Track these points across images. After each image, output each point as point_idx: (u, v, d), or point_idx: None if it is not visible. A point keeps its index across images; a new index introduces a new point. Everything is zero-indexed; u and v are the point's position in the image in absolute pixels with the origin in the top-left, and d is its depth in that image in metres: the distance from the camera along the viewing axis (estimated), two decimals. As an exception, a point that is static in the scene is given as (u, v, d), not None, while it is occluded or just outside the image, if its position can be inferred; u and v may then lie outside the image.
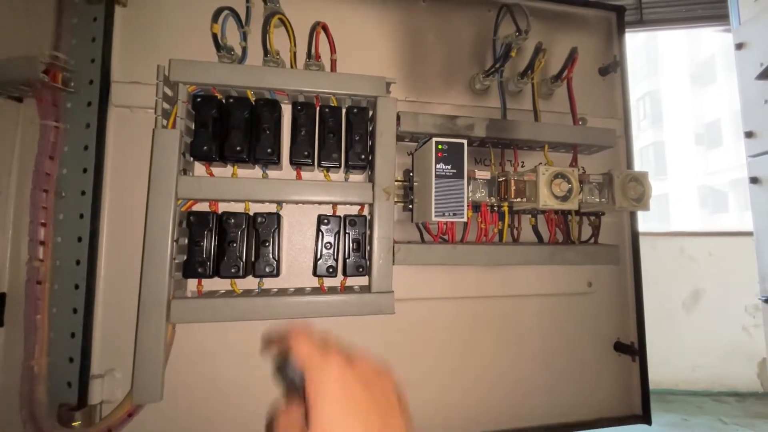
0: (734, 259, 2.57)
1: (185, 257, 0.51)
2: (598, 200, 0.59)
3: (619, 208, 0.58)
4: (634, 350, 0.68)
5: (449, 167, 0.49)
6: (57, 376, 0.51)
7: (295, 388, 0.29)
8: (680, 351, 2.54)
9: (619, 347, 0.69)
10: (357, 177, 0.61)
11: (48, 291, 0.52)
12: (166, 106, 0.50)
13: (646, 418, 0.68)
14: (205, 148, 0.51)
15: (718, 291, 2.59)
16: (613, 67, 0.73)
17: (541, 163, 0.56)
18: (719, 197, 9.57)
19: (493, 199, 0.56)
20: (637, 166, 0.73)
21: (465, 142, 0.50)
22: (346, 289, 0.55)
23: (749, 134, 1.39)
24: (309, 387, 0.27)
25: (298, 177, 0.56)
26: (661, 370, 2.51)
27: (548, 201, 0.54)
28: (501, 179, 0.56)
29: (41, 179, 0.52)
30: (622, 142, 0.74)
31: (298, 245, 0.59)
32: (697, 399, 2.50)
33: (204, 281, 0.53)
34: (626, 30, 0.78)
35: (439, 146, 0.49)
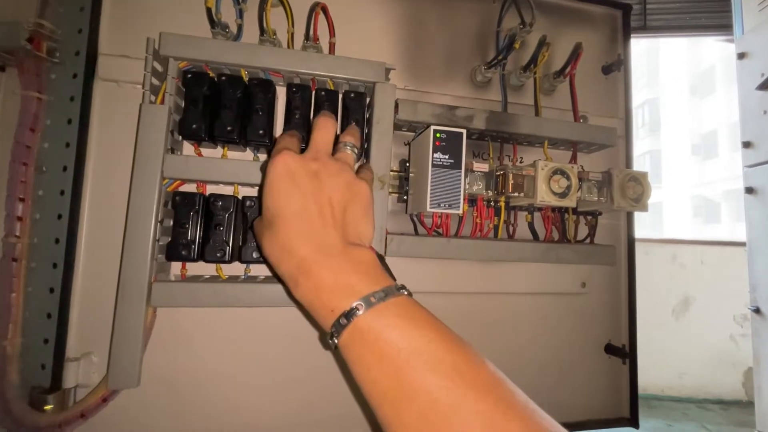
0: (725, 268, 2.59)
1: (169, 239, 0.49)
2: (596, 199, 0.58)
3: (617, 208, 0.57)
4: (624, 353, 0.67)
5: (447, 157, 0.48)
6: (30, 357, 0.49)
7: None
8: (667, 357, 2.57)
9: (610, 349, 0.69)
10: (351, 165, 0.59)
11: (24, 269, 0.50)
12: (155, 81, 0.48)
13: (633, 421, 0.67)
14: (195, 126, 0.49)
15: (707, 299, 2.61)
16: (616, 66, 0.72)
17: (540, 159, 0.55)
18: (712, 207, 9.67)
19: (490, 193, 0.55)
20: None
21: (464, 131, 0.49)
22: (336, 280, 0.54)
23: (747, 144, 1.39)
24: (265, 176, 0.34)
25: (291, 162, 0.54)
26: (647, 376, 2.53)
27: (546, 197, 0.53)
28: (499, 173, 0.54)
29: (21, 152, 0.50)
30: (622, 143, 0.73)
31: (287, 232, 0.58)
32: (682, 405, 2.52)
33: (188, 265, 0.52)
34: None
35: (437, 135, 0.48)
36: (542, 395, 0.67)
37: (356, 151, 0.39)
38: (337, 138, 0.39)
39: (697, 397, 2.57)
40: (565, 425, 0.67)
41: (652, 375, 2.56)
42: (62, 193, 0.51)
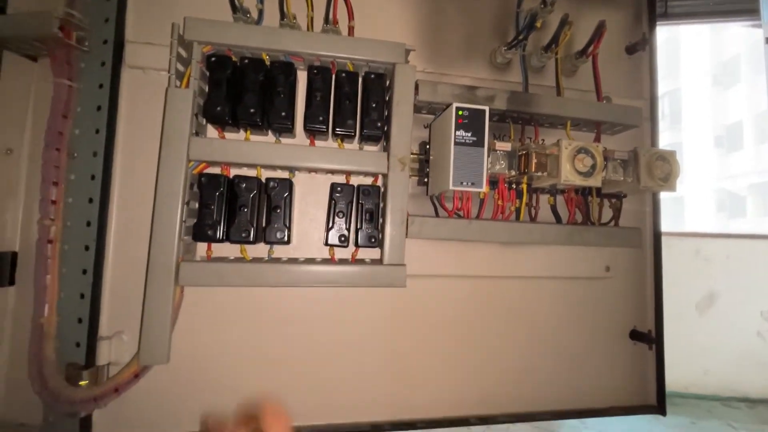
0: (752, 262, 2.49)
1: (195, 220, 0.50)
2: (622, 178, 0.57)
3: (644, 188, 0.56)
4: (651, 338, 0.66)
5: (469, 134, 0.47)
6: (66, 335, 0.51)
7: None
8: (691, 354, 2.49)
9: (636, 335, 0.67)
10: (371, 149, 0.59)
11: (58, 251, 0.52)
12: (179, 66, 0.49)
13: (660, 408, 0.66)
14: (219, 108, 0.50)
15: (733, 294, 2.52)
16: (641, 45, 0.70)
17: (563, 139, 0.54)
18: (737, 201, 9.32)
19: (513, 172, 0.54)
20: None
21: (487, 108, 0.48)
22: (357, 261, 0.54)
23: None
24: None
25: (312, 145, 0.54)
26: (670, 373, 2.46)
27: (570, 176, 0.52)
28: (522, 152, 0.54)
29: (54, 138, 0.52)
30: (646, 125, 0.71)
31: (309, 216, 0.58)
32: (707, 403, 2.44)
33: (214, 247, 0.52)
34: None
35: (460, 112, 0.47)
36: (566, 380, 0.66)
37: None
38: None
39: (723, 395, 2.49)
40: (589, 411, 0.66)
41: (675, 372, 2.48)
42: (93, 177, 0.53)
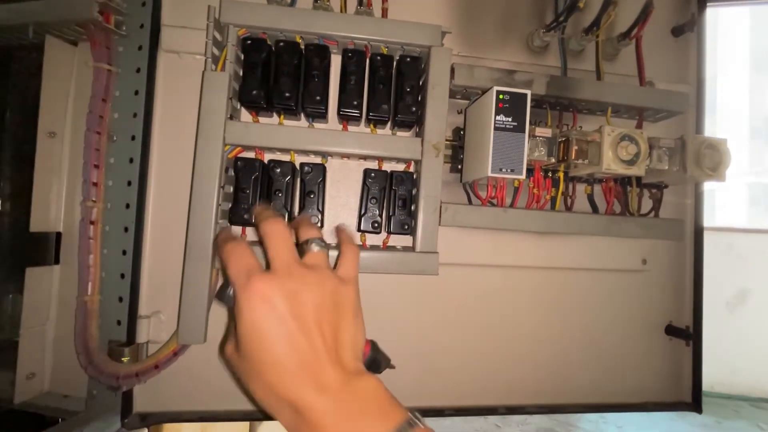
0: (789, 260, 2.39)
1: (230, 204, 0.51)
2: (667, 168, 0.54)
3: (690, 178, 0.53)
4: (688, 334, 0.64)
5: (510, 120, 0.46)
6: (107, 313, 0.53)
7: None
8: (719, 352, 2.41)
9: (671, 331, 0.65)
10: (404, 135, 0.58)
11: (100, 232, 0.53)
12: (215, 50, 0.49)
13: (696, 405, 0.64)
14: (254, 92, 0.50)
15: (767, 292, 2.42)
16: (689, 26, 0.66)
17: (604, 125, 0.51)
18: (772, 196, 8.84)
19: (553, 159, 0.52)
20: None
21: (528, 92, 0.47)
22: (389, 248, 0.54)
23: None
24: (236, 311, 0.28)
25: (345, 130, 0.54)
26: (695, 371, 2.38)
27: (612, 165, 0.50)
28: (561, 139, 0.52)
29: (94, 122, 0.53)
30: (692, 111, 0.67)
31: (341, 201, 0.58)
32: (733, 403, 2.38)
33: (248, 231, 0.53)
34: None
35: (500, 96, 0.46)
36: (598, 373, 0.65)
37: (323, 244, 0.35)
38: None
39: (751, 396, 2.41)
40: (622, 406, 0.65)
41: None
42: (131, 161, 0.54)
